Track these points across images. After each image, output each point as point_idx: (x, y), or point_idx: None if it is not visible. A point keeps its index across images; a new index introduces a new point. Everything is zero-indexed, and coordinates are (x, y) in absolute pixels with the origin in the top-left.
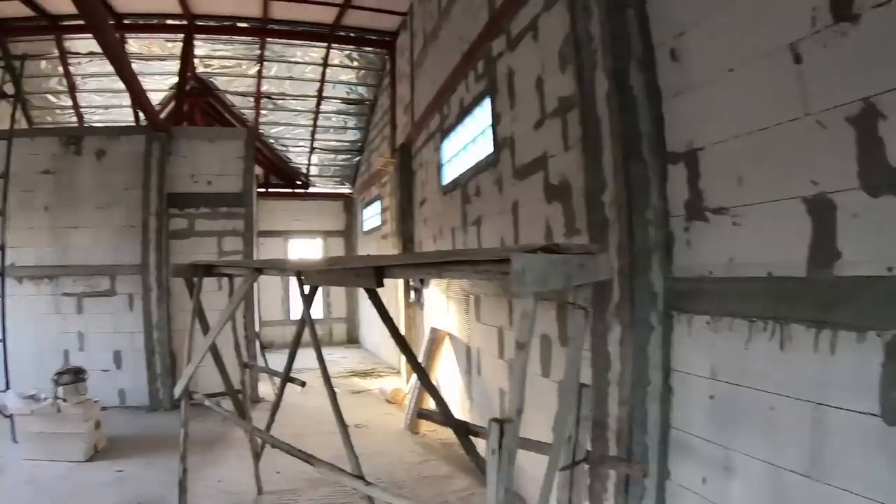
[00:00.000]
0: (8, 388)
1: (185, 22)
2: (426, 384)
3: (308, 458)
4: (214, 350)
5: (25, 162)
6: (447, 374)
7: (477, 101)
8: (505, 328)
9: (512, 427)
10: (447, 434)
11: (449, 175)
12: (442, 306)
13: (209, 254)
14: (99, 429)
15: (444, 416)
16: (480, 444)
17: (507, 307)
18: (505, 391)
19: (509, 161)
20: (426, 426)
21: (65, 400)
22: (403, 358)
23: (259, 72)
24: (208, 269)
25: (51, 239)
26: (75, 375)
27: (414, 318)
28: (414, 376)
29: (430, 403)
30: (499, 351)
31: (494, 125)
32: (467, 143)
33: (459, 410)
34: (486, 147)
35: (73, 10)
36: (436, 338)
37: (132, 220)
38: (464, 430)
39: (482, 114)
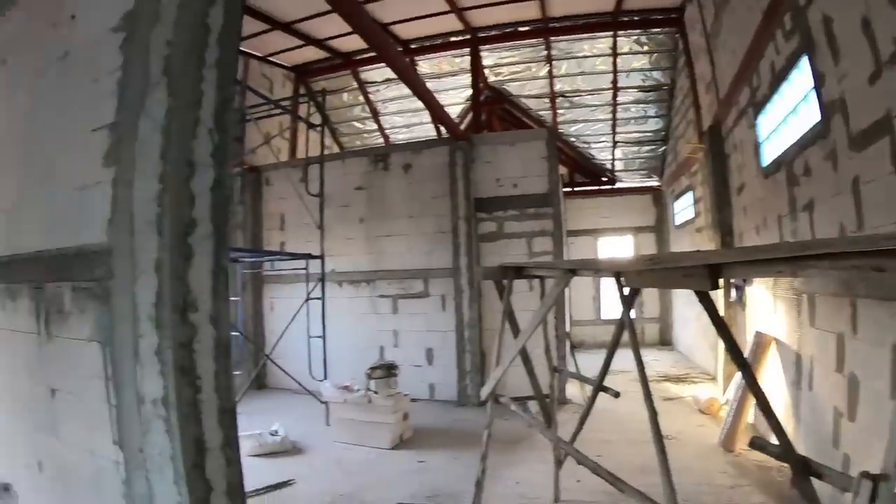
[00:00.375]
0: (325, 378)
1: (468, 36)
2: (762, 404)
3: (615, 482)
4: (524, 353)
5: (340, 181)
6: (768, 385)
7: (791, 64)
8: (846, 335)
9: (889, 487)
10: (762, 456)
11: (769, 154)
12: (767, 306)
13: (519, 255)
14: (406, 420)
15: (782, 448)
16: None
17: (850, 309)
18: (841, 412)
19: (842, 129)
20: (741, 443)
21: (376, 392)
22: (720, 364)
23: (549, 72)
24: (518, 272)
25: (366, 247)
26: (387, 370)
27: (734, 318)
28: (732, 386)
29: (750, 418)
30: (836, 362)
31: (817, 87)
32: (787, 115)
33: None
34: (810, 116)
35: (363, 45)
36: (760, 343)
37: (442, 227)
38: (803, 468)
39: (800, 77)
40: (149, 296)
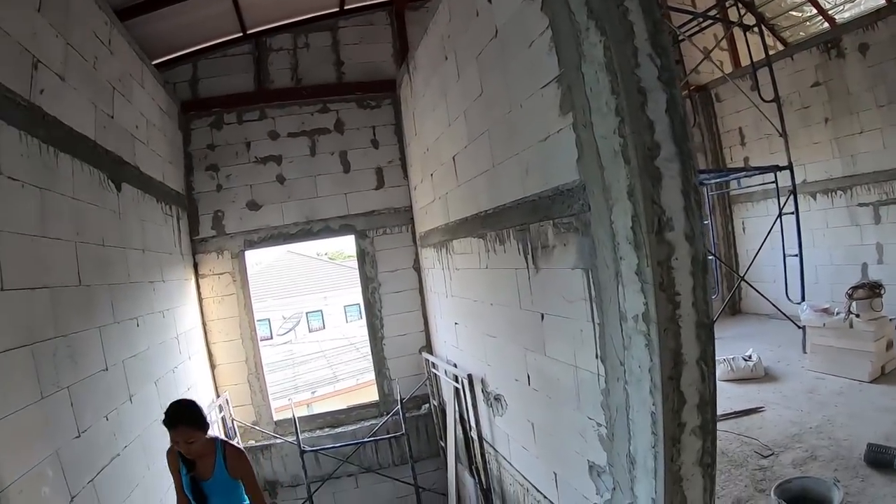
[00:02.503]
0: (803, 300)
1: None
2: None
3: None
4: None
5: (793, 81)
6: None
7: None
8: None
9: None
10: None
11: None
12: None
13: None
14: (891, 349)
15: None
16: None
17: None
18: None
19: None
20: None
21: (858, 315)
22: None
23: None
24: None
25: (835, 150)
26: (871, 290)
27: None
28: None
29: None
30: None
31: None
32: None
33: None
34: None
35: None
36: None
37: None
38: None
39: None
40: (625, 221)
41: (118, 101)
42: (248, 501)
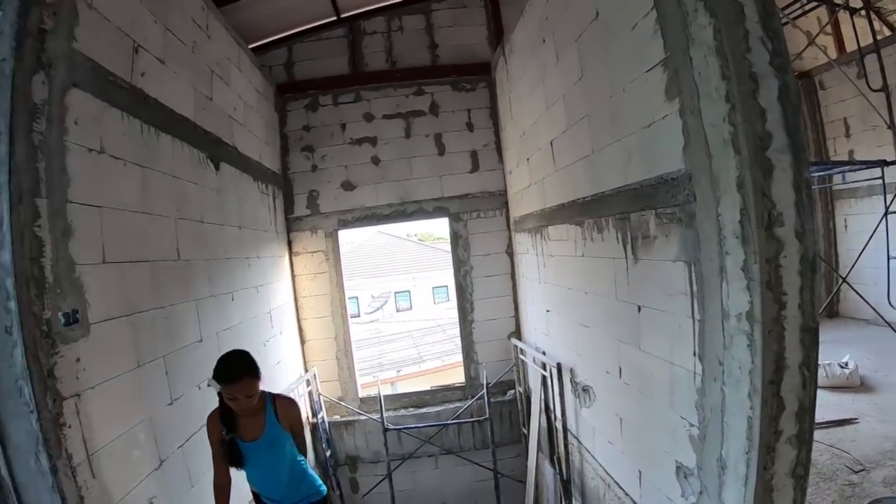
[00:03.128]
0: None
1: None
2: None
3: None
4: None
5: None
6: None
7: None
8: None
9: None
10: None
11: None
12: None
13: None
14: None
15: None
16: None
17: None
18: None
19: None
20: None
21: None
22: None
23: None
24: None
25: None
26: None
27: None
28: None
29: None
30: None
31: None
32: None
33: None
34: None
35: None
36: None
37: None
38: None
39: None
40: (733, 214)
41: (216, 84)
42: (297, 460)
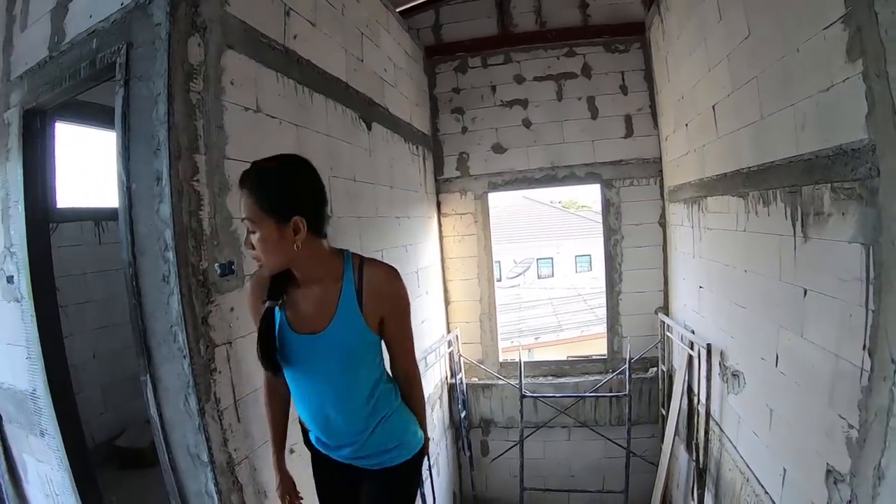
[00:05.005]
0: None
1: None
2: None
3: None
4: None
5: None
6: None
7: None
8: None
9: None
10: None
11: None
12: None
13: None
14: None
15: None
16: None
17: None
18: None
19: None
20: None
21: None
22: None
23: None
24: None
25: None
26: None
27: None
28: None
29: None
30: None
31: None
32: None
33: None
34: None
35: None
36: None
37: None
38: None
39: None
40: None
41: (367, 46)
42: (383, 384)
